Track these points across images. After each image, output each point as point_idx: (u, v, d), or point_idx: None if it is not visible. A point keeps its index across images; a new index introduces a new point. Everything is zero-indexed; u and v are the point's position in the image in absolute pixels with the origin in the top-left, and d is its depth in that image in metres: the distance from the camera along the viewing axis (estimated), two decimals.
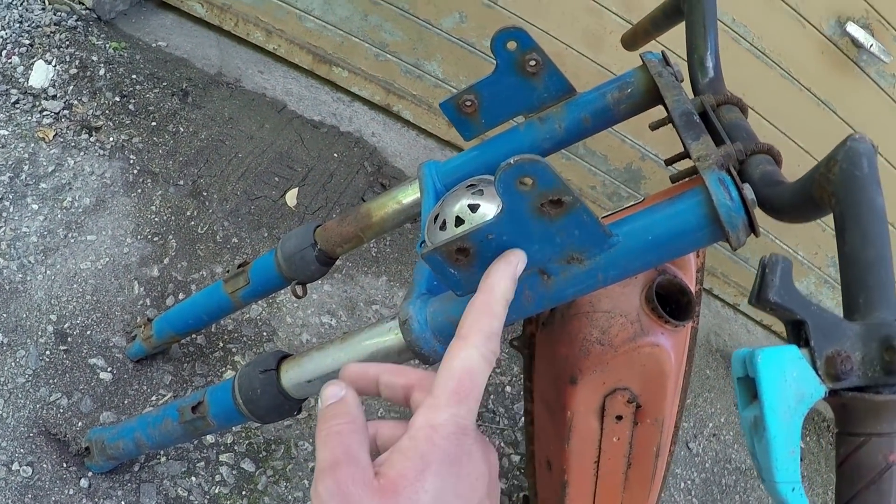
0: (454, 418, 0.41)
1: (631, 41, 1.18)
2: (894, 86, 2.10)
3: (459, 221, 0.82)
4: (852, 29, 1.94)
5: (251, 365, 0.99)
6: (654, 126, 0.89)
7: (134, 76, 2.02)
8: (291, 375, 0.94)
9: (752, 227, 0.65)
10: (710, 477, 2.09)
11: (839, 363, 0.44)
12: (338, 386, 0.45)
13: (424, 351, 0.78)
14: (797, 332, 0.49)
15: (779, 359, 0.45)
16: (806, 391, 0.44)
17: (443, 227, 0.84)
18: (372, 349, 0.84)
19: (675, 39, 1.09)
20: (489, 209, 0.81)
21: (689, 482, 2.05)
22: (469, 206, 0.83)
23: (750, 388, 0.46)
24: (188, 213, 1.78)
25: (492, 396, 1.90)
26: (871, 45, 1.94)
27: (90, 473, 1.30)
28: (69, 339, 1.46)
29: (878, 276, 0.48)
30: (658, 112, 0.88)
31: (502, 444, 1.80)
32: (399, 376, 0.48)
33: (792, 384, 0.44)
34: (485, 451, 0.43)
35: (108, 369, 1.47)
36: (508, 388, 1.91)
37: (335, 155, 2.17)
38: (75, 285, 1.54)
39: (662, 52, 0.95)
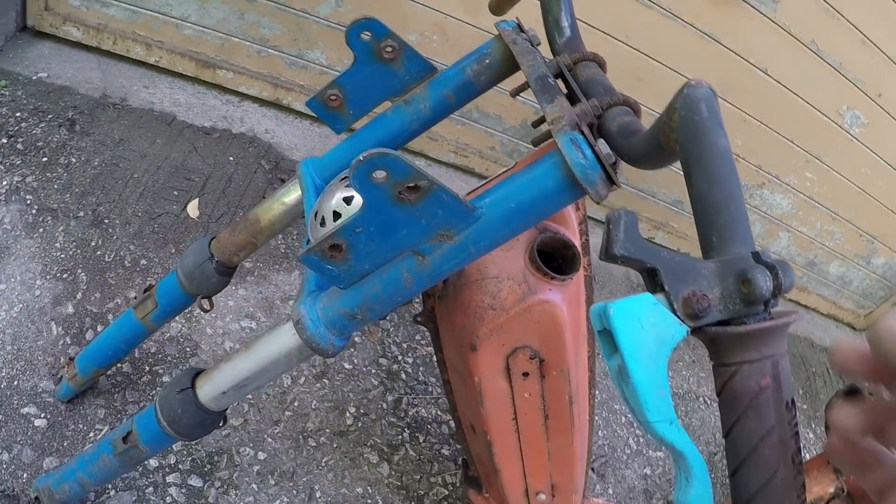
0: None
1: (497, 7, 1.19)
2: (775, 11, 2.17)
3: (337, 216, 0.84)
4: None
5: (168, 387, 1.00)
6: (514, 92, 0.91)
7: (18, 114, 1.96)
8: (207, 390, 0.95)
9: (612, 180, 0.68)
10: None
11: (695, 302, 0.46)
12: None
13: (322, 346, 0.80)
14: (653, 280, 0.50)
15: (632, 308, 0.46)
16: (666, 334, 0.46)
17: (322, 223, 0.86)
18: (275, 354, 0.85)
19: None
20: None
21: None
22: (344, 199, 0.85)
23: (611, 339, 0.47)
24: (93, 244, 1.76)
25: (421, 368, 1.94)
26: None
27: None
28: None
29: (728, 215, 0.49)
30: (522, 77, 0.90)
31: (439, 412, 1.85)
32: None
33: (650, 330, 0.45)
34: None
35: (42, 416, 1.45)
36: None
37: (231, 158, 2.15)
38: None
39: (516, 18, 0.97)
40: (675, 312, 0.46)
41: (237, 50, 2.27)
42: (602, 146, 0.67)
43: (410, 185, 0.64)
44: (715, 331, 0.46)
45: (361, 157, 0.61)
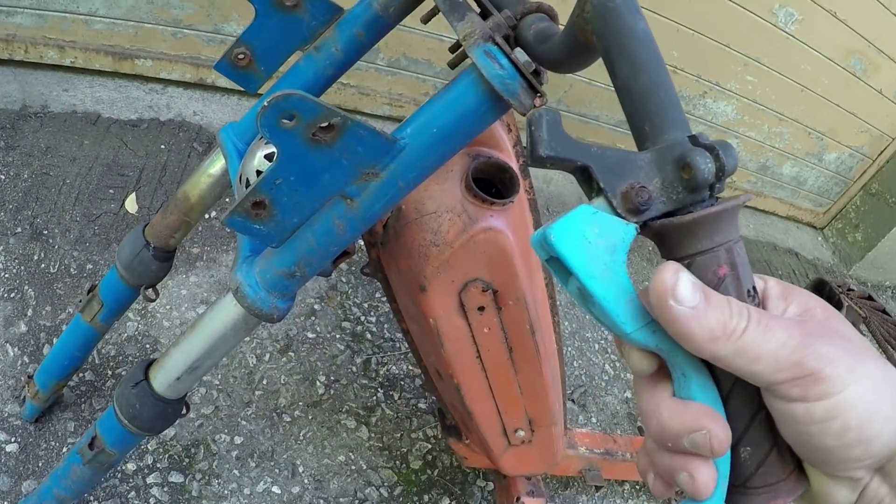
0: None
1: None
2: None
3: (260, 175, 0.81)
4: None
5: (123, 383, 0.96)
6: (424, 19, 0.87)
7: None
8: (161, 379, 0.92)
9: (534, 88, 0.65)
10: None
11: (634, 195, 0.42)
12: None
13: (266, 311, 0.77)
14: (588, 180, 0.47)
15: (572, 225, 0.42)
16: (615, 239, 0.42)
17: (247, 185, 0.82)
18: (220, 328, 0.82)
19: None
20: None
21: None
22: (265, 156, 0.82)
23: (561, 265, 0.43)
24: (36, 258, 1.70)
25: (385, 325, 1.93)
26: None
27: None
28: None
29: (657, 100, 0.46)
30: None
31: (410, 367, 1.84)
32: None
33: (597, 242, 0.42)
34: None
35: (12, 440, 1.41)
36: None
37: (162, 147, 2.10)
38: None
39: None
40: (616, 212, 0.43)
41: (152, 36, 2.19)
42: (521, 55, 0.64)
43: (323, 124, 0.61)
44: (661, 223, 0.43)
45: (266, 103, 0.58)
